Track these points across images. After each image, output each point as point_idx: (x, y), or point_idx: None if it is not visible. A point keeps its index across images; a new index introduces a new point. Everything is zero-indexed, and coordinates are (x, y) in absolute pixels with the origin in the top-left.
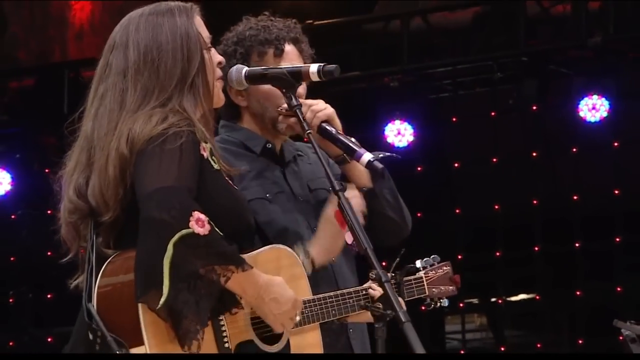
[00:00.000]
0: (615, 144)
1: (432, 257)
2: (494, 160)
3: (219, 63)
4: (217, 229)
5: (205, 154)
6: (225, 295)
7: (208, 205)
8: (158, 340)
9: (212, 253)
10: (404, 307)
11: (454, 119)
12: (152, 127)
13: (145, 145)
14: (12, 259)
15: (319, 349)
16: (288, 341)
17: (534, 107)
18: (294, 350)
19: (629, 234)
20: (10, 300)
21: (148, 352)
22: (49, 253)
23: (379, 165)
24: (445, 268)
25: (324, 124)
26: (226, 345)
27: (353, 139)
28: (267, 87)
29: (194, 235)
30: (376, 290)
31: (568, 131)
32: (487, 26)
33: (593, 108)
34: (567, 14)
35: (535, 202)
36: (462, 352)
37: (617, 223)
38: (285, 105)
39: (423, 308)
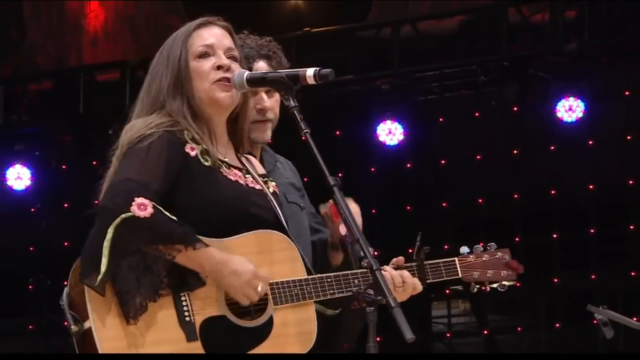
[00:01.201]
0: (590, 142)
1: (489, 244)
2: (478, 157)
3: (219, 67)
4: (166, 213)
5: (193, 153)
6: (187, 274)
7: (195, 196)
8: (100, 314)
9: (155, 233)
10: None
11: (441, 119)
12: (136, 130)
13: (127, 147)
14: (31, 249)
15: (312, 325)
16: (271, 317)
17: (515, 108)
18: (277, 325)
19: (602, 226)
20: (30, 287)
21: (92, 325)
22: (65, 243)
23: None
24: (499, 254)
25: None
26: (187, 319)
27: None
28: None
29: (134, 218)
30: (387, 272)
31: (546, 130)
32: (471, 33)
33: (569, 109)
34: (545, 22)
35: (515, 196)
36: (448, 334)
37: (592, 216)
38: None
39: (474, 291)
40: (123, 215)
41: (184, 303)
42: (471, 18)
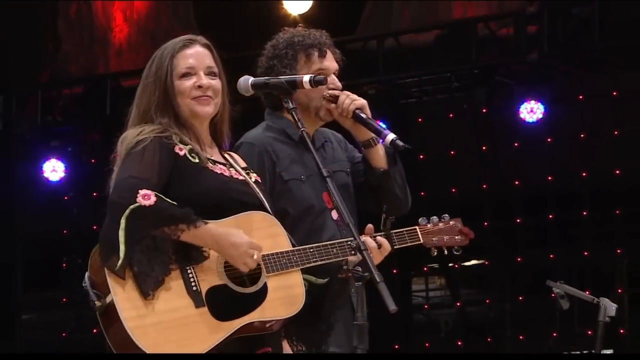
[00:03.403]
0: (549, 140)
1: (443, 215)
2: (452, 152)
3: (199, 86)
4: (165, 199)
5: (182, 152)
6: (191, 250)
7: (186, 189)
8: (120, 288)
9: (160, 217)
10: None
11: (420, 120)
12: (130, 140)
13: (125, 152)
14: (65, 232)
15: (300, 289)
16: (265, 284)
17: (484, 110)
18: (271, 290)
19: (560, 212)
20: (64, 265)
21: (114, 297)
22: (94, 227)
23: (400, 143)
24: (452, 222)
25: (357, 111)
26: (194, 289)
27: (380, 123)
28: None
29: (141, 207)
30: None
31: (511, 129)
32: (445, 45)
33: (531, 111)
34: (510, 35)
35: (484, 186)
36: (425, 306)
37: (550, 203)
38: (329, 92)
39: (434, 254)
40: (131, 207)
41: (190, 275)
42: (446, 32)
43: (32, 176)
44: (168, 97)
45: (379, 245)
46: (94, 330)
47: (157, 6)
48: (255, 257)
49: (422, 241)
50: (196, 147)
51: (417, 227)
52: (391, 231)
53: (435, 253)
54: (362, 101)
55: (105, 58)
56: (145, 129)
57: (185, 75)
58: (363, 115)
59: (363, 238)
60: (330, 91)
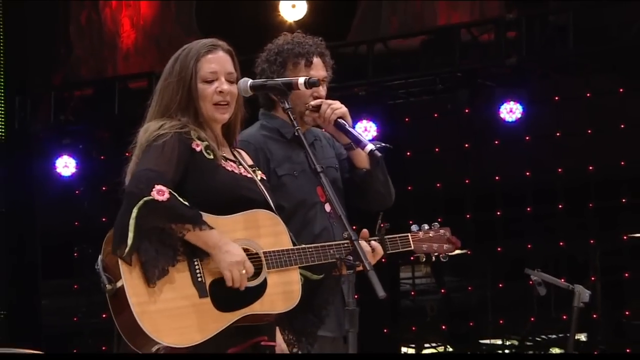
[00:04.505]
0: (527, 138)
1: (433, 223)
2: (436, 150)
3: (221, 92)
4: (179, 198)
5: (198, 148)
6: (197, 247)
7: (200, 183)
8: (130, 276)
9: (170, 215)
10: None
11: (407, 119)
12: (151, 132)
13: (146, 144)
14: (76, 223)
15: (296, 286)
16: (265, 279)
17: (466, 110)
18: (270, 285)
19: (537, 205)
20: (75, 254)
21: (125, 284)
22: (103, 219)
23: (378, 154)
24: (441, 231)
25: (339, 119)
26: (199, 279)
27: (360, 132)
28: (298, 90)
29: (154, 201)
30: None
31: (491, 128)
32: (431, 50)
33: (510, 111)
34: (491, 41)
35: (467, 181)
36: (412, 293)
37: (528, 197)
38: (312, 103)
39: (423, 260)
40: (145, 198)
41: (197, 267)
42: (431, 37)
43: (46, 171)
44: (191, 98)
45: (373, 250)
46: (103, 315)
47: (162, 13)
48: (243, 272)
49: (412, 248)
50: (212, 144)
51: (409, 235)
52: (385, 237)
53: (424, 259)
54: (343, 110)
55: (113, 61)
56: (166, 124)
57: (208, 79)
58: (344, 124)
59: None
60: (313, 102)
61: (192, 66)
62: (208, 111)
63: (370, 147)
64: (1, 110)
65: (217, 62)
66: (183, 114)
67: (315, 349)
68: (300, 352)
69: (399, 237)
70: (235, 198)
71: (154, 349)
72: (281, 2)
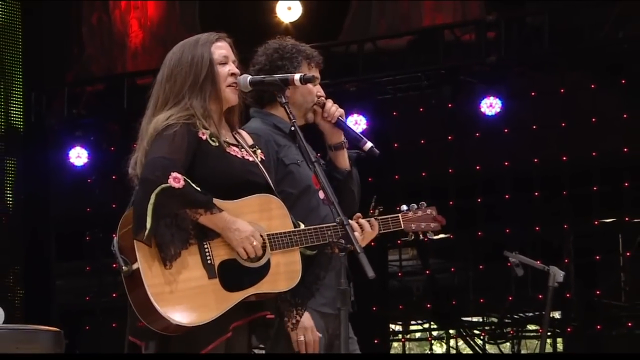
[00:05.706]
0: (506, 130)
1: (420, 203)
2: (422, 142)
3: (233, 74)
4: (193, 185)
5: (204, 137)
6: (207, 229)
7: (208, 169)
8: (146, 258)
9: (185, 200)
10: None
11: (395, 114)
12: (161, 122)
13: (155, 134)
14: (88, 209)
15: (297, 266)
16: (269, 260)
17: (450, 105)
18: (273, 266)
19: (515, 192)
20: (87, 238)
21: (140, 266)
22: (113, 205)
23: (377, 151)
24: (428, 210)
25: (340, 118)
26: (209, 262)
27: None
28: (309, 86)
29: (170, 188)
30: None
31: (473, 122)
32: (417, 49)
33: (490, 106)
34: (473, 40)
35: (450, 171)
36: (399, 274)
37: (507, 185)
38: (321, 99)
39: (411, 238)
40: (163, 185)
41: (206, 249)
42: (417, 37)
43: (60, 162)
44: (207, 80)
45: (371, 227)
46: (114, 295)
47: (168, 15)
48: (255, 243)
49: (402, 227)
50: (215, 131)
51: (399, 215)
52: (377, 217)
53: (412, 237)
54: (342, 110)
55: (122, 60)
56: (173, 115)
57: (222, 62)
58: (345, 122)
59: (352, 222)
60: (322, 98)
61: (208, 51)
62: (223, 92)
63: (369, 144)
64: (19, 105)
65: (225, 48)
66: (195, 99)
67: (320, 325)
68: (289, 321)
69: (390, 217)
70: (240, 183)
71: (164, 326)
72: (277, 4)
